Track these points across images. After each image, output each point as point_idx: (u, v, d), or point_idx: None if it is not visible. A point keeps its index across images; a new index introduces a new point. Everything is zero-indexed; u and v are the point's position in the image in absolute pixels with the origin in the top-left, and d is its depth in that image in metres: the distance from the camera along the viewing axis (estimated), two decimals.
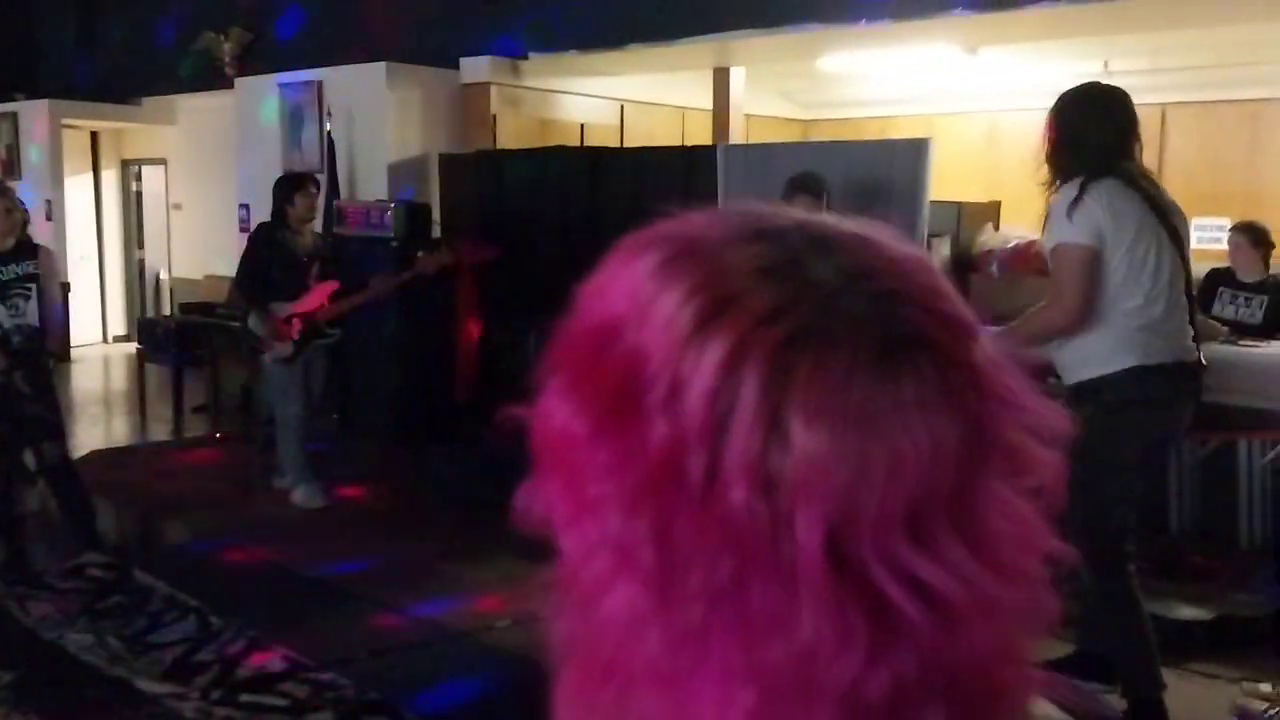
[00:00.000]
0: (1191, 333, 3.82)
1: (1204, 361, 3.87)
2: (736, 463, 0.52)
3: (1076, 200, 3.67)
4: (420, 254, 7.44)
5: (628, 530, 0.55)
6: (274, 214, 6.65)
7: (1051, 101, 4.06)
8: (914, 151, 6.53)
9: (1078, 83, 4.08)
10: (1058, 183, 3.78)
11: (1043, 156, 3.83)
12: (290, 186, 6.67)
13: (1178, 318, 3.76)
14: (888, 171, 6.52)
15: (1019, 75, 8.87)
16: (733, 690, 0.54)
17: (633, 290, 0.57)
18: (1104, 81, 4.05)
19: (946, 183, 7.80)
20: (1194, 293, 3.92)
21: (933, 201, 6.58)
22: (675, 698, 0.55)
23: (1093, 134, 3.76)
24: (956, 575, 0.53)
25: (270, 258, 6.54)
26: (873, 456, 0.52)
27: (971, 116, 10.09)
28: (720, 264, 0.56)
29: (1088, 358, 3.71)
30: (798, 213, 0.60)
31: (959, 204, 7.34)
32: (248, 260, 6.65)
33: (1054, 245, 3.74)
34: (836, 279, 0.55)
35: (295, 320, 6.51)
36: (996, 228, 7.57)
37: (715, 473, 0.53)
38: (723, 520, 0.52)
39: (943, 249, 6.96)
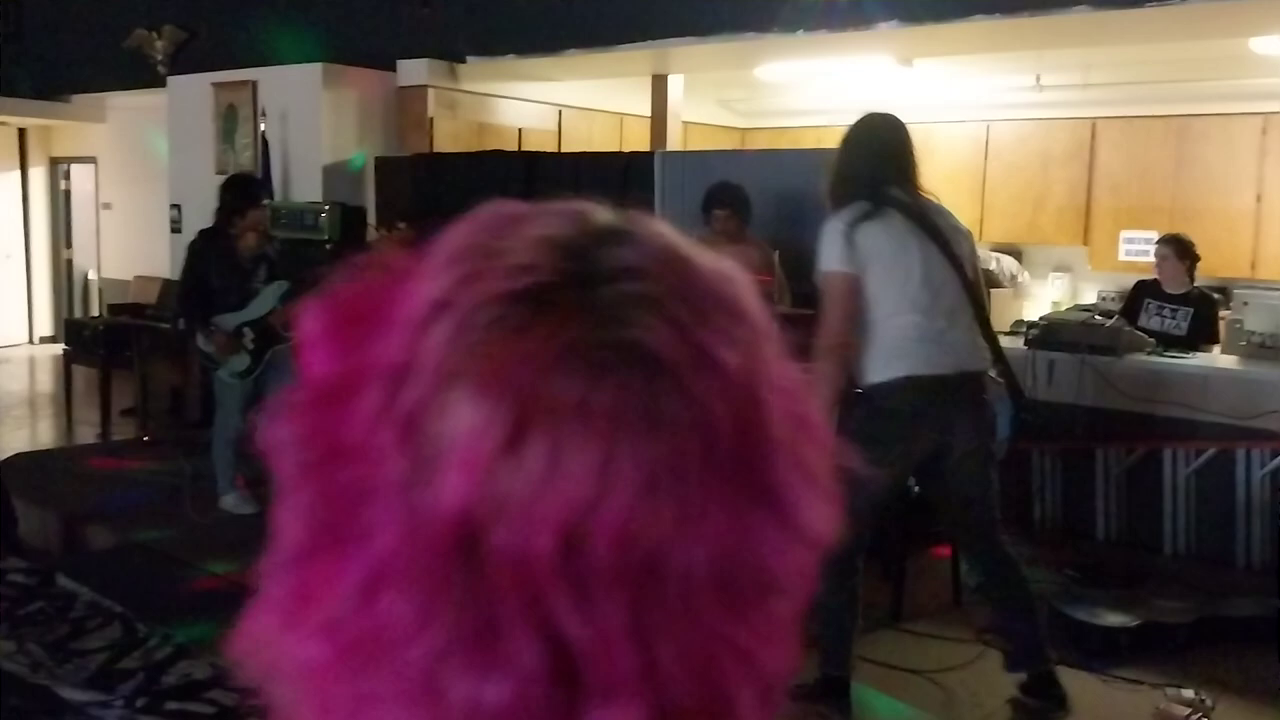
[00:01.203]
0: (981, 345, 3.97)
1: (989, 371, 4.03)
2: (401, 406, 0.49)
3: (845, 231, 3.82)
4: (379, 233, 7.23)
5: (284, 430, 0.53)
6: (219, 218, 6.42)
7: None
8: None
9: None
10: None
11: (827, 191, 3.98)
12: (245, 197, 6.40)
13: (959, 331, 3.88)
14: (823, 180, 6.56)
15: (953, 88, 8.98)
16: (319, 626, 0.50)
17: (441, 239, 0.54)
18: (883, 111, 4.14)
19: None
20: (985, 306, 4.05)
21: None
22: (289, 616, 0.51)
23: (860, 164, 3.93)
24: (595, 635, 0.47)
25: (210, 267, 6.34)
26: (531, 453, 0.46)
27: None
28: (514, 225, 0.52)
29: (869, 367, 3.88)
30: (633, 212, 0.55)
31: None
32: (186, 274, 6.44)
33: (822, 273, 3.90)
34: (608, 267, 0.50)
35: (245, 330, 6.35)
36: None
37: (386, 408, 0.49)
38: (366, 454, 0.49)
39: None
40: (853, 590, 3.97)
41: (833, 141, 4.21)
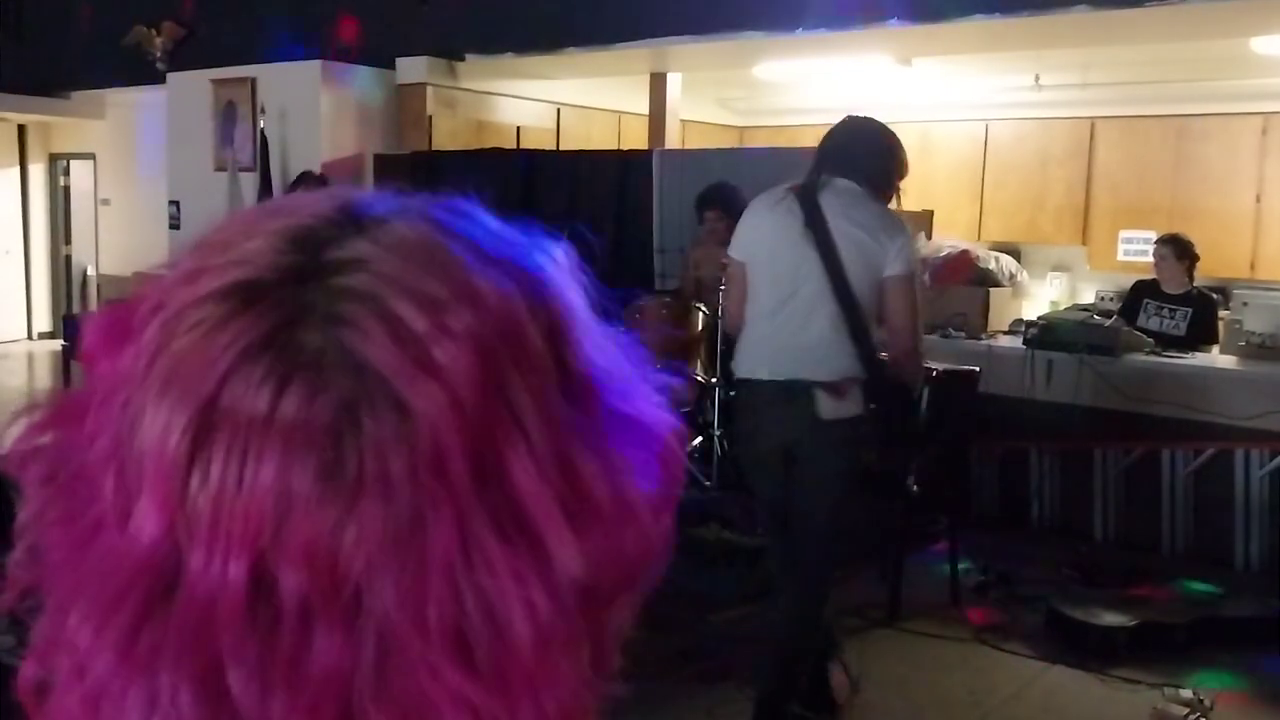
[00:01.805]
0: (836, 356, 3.57)
1: (836, 382, 3.57)
2: (117, 419, 0.45)
3: (743, 219, 3.94)
4: None
5: (28, 437, 0.49)
6: None
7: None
8: None
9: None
10: None
11: None
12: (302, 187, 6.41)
13: (807, 336, 3.58)
14: None
15: (952, 88, 8.98)
16: (36, 647, 0.47)
17: None
18: (855, 114, 4.15)
19: None
20: (863, 317, 3.59)
21: None
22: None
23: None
24: (267, 689, 0.41)
25: None
26: (216, 466, 0.42)
27: (905, 126, 10.14)
28: (269, 218, 0.47)
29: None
30: (406, 200, 0.49)
31: None
32: None
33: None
34: (336, 259, 0.45)
35: None
36: (929, 237, 7.65)
37: (105, 425, 0.45)
38: (92, 471, 0.46)
39: None
40: (776, 612, 3.79)
41: None
